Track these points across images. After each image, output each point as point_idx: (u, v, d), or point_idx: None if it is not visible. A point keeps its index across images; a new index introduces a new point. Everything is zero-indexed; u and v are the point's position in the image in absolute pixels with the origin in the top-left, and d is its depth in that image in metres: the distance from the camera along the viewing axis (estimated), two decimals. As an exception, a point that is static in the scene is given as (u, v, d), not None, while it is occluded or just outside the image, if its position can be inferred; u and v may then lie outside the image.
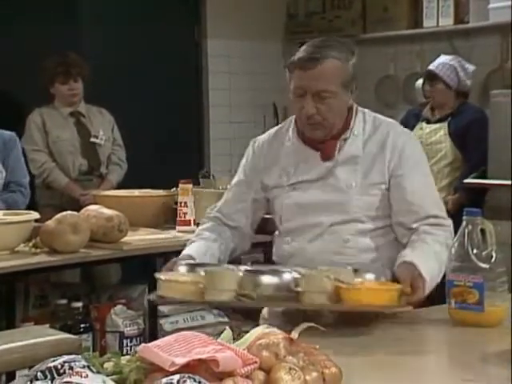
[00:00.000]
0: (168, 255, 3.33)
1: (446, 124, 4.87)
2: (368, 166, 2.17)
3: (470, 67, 4.88)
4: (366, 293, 1.83)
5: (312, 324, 1.54)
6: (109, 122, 4.68)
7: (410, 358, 1.70)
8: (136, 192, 3.90)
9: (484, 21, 5.48)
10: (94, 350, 3.20)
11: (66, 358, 1.30)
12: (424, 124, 4.99)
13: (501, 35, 5.47)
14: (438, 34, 5.76)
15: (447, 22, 5.67)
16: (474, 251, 1.90)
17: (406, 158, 2.17)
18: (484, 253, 1.90)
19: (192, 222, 3.57)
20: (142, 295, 3.32)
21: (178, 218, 3.58)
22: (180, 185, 3.60)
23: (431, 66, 4.92)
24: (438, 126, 4.92)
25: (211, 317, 3.33)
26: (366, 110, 2.33)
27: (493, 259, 1.89)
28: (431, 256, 2.00)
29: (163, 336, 3.25)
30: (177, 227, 3.59)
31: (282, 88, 6.53)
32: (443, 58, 4.94)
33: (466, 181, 4.73)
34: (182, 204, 3.56)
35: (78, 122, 4.57)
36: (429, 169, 2.27)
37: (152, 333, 3.21)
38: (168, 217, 3.75)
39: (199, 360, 1.36)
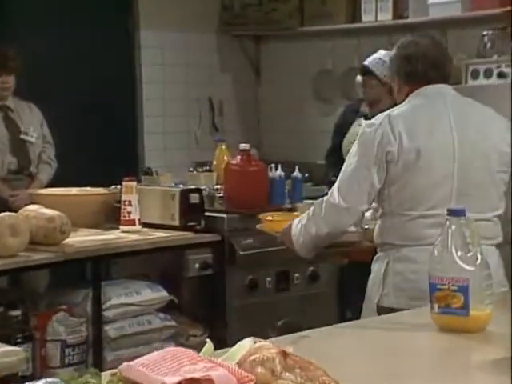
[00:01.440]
0: (111, 257, 3.19)
1: None
2: None
3: None
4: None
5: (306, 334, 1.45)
6: (38, 118, 4.48)
7: (394, 366, 1.63)
8: (74, 190, 3.74)
9: (423, 16, 5.48)
10: (33, 361, 3.03)
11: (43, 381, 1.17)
12: (362, 120, 4.95)
13: (440, 31, 5.49)
14: (376, 29, 5.74)
15: (386, 17, 5.66)
16: (459, 253, 1.83)
17: None
18: (469, 254, 1.83)
19: (137, 221, 3.43)
20: (85, 300, 3.16)
21: (122, 218, 3.43)
22: (123, 183, 3.45)
23: (365, 62, 4.89)
24: None
25: (158, 321, 3.21)
26: None
27: (478, 261, 1.83)
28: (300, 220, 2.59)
29: (108, 344, 3.16)
30: (120, 227, 3.45)
31: (218, 81, 6.60)
32: (378, 54, 4.91)
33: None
34: (126, 203, 3.42)
35: (6, 117, 4.36)
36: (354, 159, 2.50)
37: (96, 340, 3.06)
38: (108, 216, 3.60)
39: (191, 379, 1.24)
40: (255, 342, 1.48)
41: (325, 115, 6.31)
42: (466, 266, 1.83)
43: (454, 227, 1.85)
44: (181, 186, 3.68)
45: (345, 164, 2.55)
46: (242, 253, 3.47)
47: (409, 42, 2.67)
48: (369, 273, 2.71)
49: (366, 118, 4.95)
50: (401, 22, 5.58)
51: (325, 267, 3.80)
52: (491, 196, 2.48)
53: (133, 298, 3.25)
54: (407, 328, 1.94)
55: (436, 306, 1.87)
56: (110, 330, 3.16)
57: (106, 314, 3.16)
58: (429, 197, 2.42)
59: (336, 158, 4.87)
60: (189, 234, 3.43)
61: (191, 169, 4.09)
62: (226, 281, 3.49)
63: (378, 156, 2.45)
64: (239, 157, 3.59)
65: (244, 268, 3.53)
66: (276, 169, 3.66)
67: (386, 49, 5.07)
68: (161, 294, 3.33)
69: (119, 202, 3.62)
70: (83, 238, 3.20)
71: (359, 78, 5.25)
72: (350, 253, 3.82)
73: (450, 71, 2.69)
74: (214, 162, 4.14)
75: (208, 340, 1.51)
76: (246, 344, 1.46)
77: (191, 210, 3.46)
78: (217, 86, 6.45)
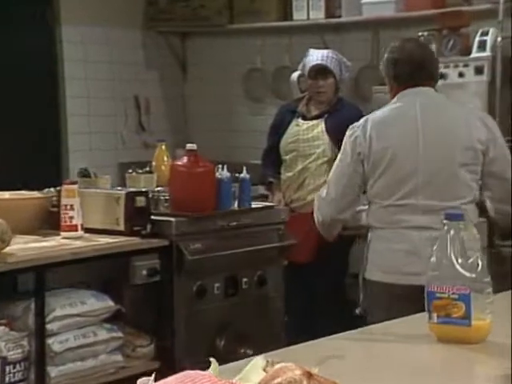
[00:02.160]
0: (55, 266, 3.01)
1: (322, 121, 4.80)
2: None
3: (347, 62, 4.82)
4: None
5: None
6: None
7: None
8: (7, 194, 3.52)
9: (356, 16, 5.47)
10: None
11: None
12: (300, 120, 4.88)
13: (372, 31, 5.49)
14: (308, 28, 5.70)
15: (318, 15, 5.62)
16: (459, 260, 1.76)
17: None
18: (469, 261, 1.76)
19: (79, 226, 3.25)
20: (26, 313, 2.96)
21: (63, 223, 3.25)
22: (64, 186, 3.27)
23: (318, 60, 4.80)
24: (314, 122, 4.83)
25: (104, 332, 3.05)
26: None
27: (479, 268, 1.76)
28: None
29: (52, 359, 2.96)
30: (61, 233, 3.26)
31: (144, 79, 6.42)
32: (325, 52, 4.84)
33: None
34: (68, 207, 3.24)
35: None
36: (339, 158, 3.11)
37: (39, 356, 2.87)
38: (44, 221, 3.41)
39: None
40: (267, 361, 1.36)
41: (255, 114, 6.25)
42: (467, 274, 1.76)
43: (452, 232, 1.78)
44: (119, 188, 3.52)
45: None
46: (190, 258, 3.34)
47: (396, 47, 3.04)
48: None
49: (305, 117, 4.89)
50: (333, 21, 5.56)
51: (272, 270, 3.72)
52: (456, 186, 2.88)
53: (77, 309, 3.07)
54: (402, 338, 1.86)
55: (435, 315, 1.79)
56: (54, 344, 2.97)
57: (49, 326, 2.97)
58: (397, 190, 2.88)
59: (273, 158, 4.79)
60: (135, 240, 3.28)
61: (130, 170, 3.91)
62: (173, 288, 3.34)
63: (354, 156, 2.97)
64: (186, 157, 3.45)
65: (192, 274, 3.40)
66: (222, 169, 3.54)
67: (319, 48, 5.06)
68: (107, 304, 3.16)
69: (55, 206, 3.48)
70: (22, 246, 3.01)
71: (295, 76, 5.16)
72: (289, 253, 3.78)
73: (436, 70, 3.10)
74: (154, 163, 3.99)
75: (213, 359, 1.39)
76: (259, 363, 1.34)
77: (137, 214, 3.31)
78: (143, 84, 6.29)
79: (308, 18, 5.64)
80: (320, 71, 4.79)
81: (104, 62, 5.97)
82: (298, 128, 4.84)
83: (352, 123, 4.84)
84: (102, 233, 3.31)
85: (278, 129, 4.82)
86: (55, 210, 3.44)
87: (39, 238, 3.25)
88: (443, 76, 4.52)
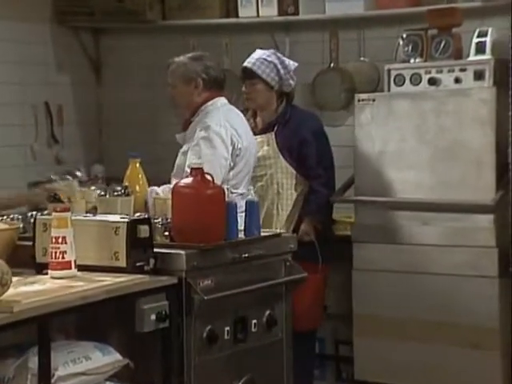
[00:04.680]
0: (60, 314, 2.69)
1: (272, 134, 4.66)
2: None
3: (292, 64, 4.69)
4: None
5: None
6: None
7: None
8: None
9: (317, 13, 5.37)
10: None
11: None
12: None
13: (330, 32, 5.40)
14: (255, 26, 5.55)
15: (270, 12, 5.48)
16: None
17: None
18: None
19: (73, 263, 2.94)
20: (21, 373, 2.63)
21: (53, 260, 2.93)
22: (55, 214, 2.94)
23: (247, 63, 4.67)
24: (263, 137, 4.69)
25: None
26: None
27: None
28: None
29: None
30: (50, 272, 2.94)
31: (55, 82, 6.04)
32: (260, 53, 4.71)
33: (332, 199, 4.58)
34: (59, 240, 2.92)
35: None
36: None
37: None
38: (8, 257, 3.05)
39: None
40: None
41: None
42: None
43: None
44: (114, 215, 3.21)
45: None
46: (200, 298, 3.10)
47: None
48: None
49: (253, 133, 4.68)
50: (292, 18, 5.43)
51: (281, 309, 3.54)
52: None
53: (82, 366, 2.76)
54: None
55: None
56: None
57: (53, 389, 2.64)
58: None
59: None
60: (142, 278, 2.99)
61: (101, 192, 3.60)
62: (183, 334, 3.09)
63: None
64: (191, 177, 3.21)
65: (202, 316, 3.16)
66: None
67: (266, 48, 4.91)
68: (114, 358, 2.86)
69: (21, 238, 3.23)
70: (13, 291, 2.66)
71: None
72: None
73: None
74: (126, 183, 3.71)
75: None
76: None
77: (140, 247, 3.04)
78: (54, 88, 5.94)
79: (258, 16, 5.50)
80: (247, 75, 4.67)
81: (8, 63, 5.57)
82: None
83: (312, 134, 4.86)
84: (96, 270, 3.02)
85: None
86: (22, 243, 3.19)
87: (21, 279, 2.91)
88: (435, 81, 4.50)
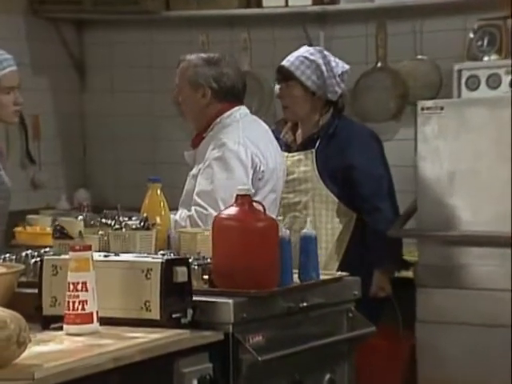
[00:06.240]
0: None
1: (312, 152, 4.65)
2: None
3: (340, 66, 4.67)
4: None
5: None
6: None
7: None
8: None
9: (356, 2, 5.42)
10: None
11: None
12: (284, 153, 4.69)
13: (377, 23, 5.43)
14: (281, 18, 5.61)
15: (301, 1, 5.51)
16: None
17: None
18: None
19: (95, 316, 2.90)
20: None
21: (70, 311, 2.89)
22: (73, 253, 2.90)
23: (284, 61, 4.67)
24: (300, 155, 4.68)
25: None
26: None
27: None
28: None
29: None
30: (67, 326, 2.90)
31: (30, 87, 6.05)
32: (302, 50, 4.70)
33: (390, 233, 4.55)
34: (79, 286, 2.88)
35: None
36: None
37: None
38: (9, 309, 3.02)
39: None
40: None
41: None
42: None
43: None
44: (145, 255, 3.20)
45: None
46: (252, 359, 3.06)
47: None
48: None
49: (289, 148, 4.70)
50: (330, 8, 5.48)
51: (342, 373, 3.51)
52: None
53: None
54: None
55: None
56: None
57: None
58: None
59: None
60: (183, 334, 2.95)
61: (115, 224, 3.56)
62: (231, 404, 3.06)
63: None
64: (237, 206, 3.18)
65: (253, 381, 3.13)
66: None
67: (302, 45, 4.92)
68: None
69: (20, 284, 3.21)
70: (26, 353, 2.62)
71: (277, 87, 4.96)
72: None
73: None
74: (145, 214, 3.67)
75: None
76: None
77: (176, 294, 3.01)
78: (29, 95, 5.90)
79: (286, 5, 5.54)
80: (282, 75, 4.67)
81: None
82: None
83: (363, 154, 4.81)
84: (120, 324, 2.99)
85: None
86: (22, 291, 3.18)
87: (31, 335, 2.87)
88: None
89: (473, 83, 4.63)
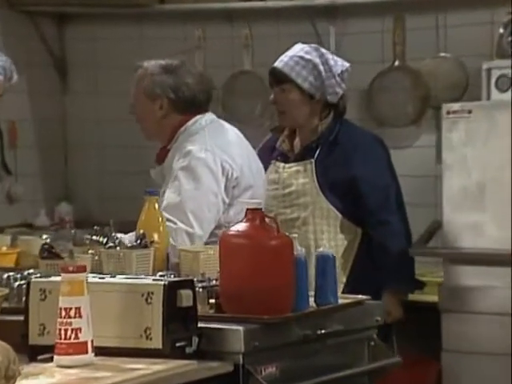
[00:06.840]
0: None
1: (311, 162, 4.63)
2: None
3: (340, 64, 4.66)
4: None
5: None
6: None
7: None
8: None
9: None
10: None
11: None
12: (280, 164, 4.70)
13: (394, 17, 5.45)
14: (286, 12, 5.63)
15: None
16: None
17: None
18: None
19: (89, 346, 2.88)
20: None
21: (61, 341, 2.87)
22: (65, 274, 2.88)
23: (277, 62, 4.66)
24: (299, 165, 4.66)
25: None
26: None
27: None
28: None
29: None
30: (58, 357, 2.88)
31: (6, 88, 6.05)
32: (297, 49, 4.69)
33: (412, 252, 4.54)
34: (72, 312, 2.86)
35: None
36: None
37: None
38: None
39: None
40: None
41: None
42: None
43: None
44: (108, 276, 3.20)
45: None
46: (264, 393, 3.07)
47: None
48: None
49: (286, 158, 4.70)
50: (341, 0, 5.51)
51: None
52: None
53: None
54: None
55: None
56: None
57: None
58: None
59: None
60: (189, 365, 2.95)
61: (107, 242, 3.56)
62: None
63: None
64: (247, 222, 3.16)
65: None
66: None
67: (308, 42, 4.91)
68: None
69: (3, 311, 3.16)
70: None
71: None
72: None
73: None
74: (141, 231, 3.67)
75: None
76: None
77: (180, 321, 3.00)
78: (4, 98, 5.96)
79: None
80: (275, 79, 4.67)
81: None
82: (278, 176, 4.68)
83: (364, 163, 4.79)
84: (118, 354, 2.98)
85: None
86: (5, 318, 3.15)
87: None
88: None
89: (503, 83, 4.63)
